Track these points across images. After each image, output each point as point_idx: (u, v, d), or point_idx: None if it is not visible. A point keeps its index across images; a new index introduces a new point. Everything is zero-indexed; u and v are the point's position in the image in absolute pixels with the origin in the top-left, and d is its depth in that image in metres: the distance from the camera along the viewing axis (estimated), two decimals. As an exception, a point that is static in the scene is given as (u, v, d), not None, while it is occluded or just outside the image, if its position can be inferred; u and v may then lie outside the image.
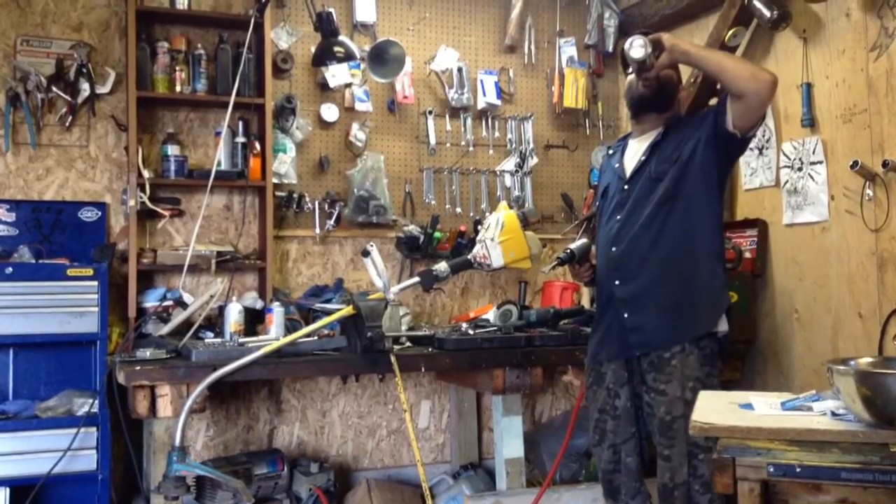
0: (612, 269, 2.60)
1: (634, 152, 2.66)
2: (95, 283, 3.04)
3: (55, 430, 2.92)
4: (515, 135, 4.20)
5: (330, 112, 3.85)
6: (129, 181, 3.39)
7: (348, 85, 3.88)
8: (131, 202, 3.37)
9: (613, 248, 2.59)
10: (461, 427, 4.02)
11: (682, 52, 2.42)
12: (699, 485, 2.41)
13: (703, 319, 2.50)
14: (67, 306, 3.01)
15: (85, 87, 3.45)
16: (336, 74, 3.81)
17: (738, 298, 3.33)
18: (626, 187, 2.61)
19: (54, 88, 3.43)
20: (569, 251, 2.72)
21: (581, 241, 2.77)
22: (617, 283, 2.59)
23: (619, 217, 2.60)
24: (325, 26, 3.37)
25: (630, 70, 2.54)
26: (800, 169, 3.36)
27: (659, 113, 2.62)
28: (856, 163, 3.01)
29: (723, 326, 2.52)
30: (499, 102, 4.14)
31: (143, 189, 3.41)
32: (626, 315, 2.56)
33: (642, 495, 2.60)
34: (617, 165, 2.70)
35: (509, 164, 4.18)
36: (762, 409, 1.86)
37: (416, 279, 3.03)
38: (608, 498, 2.68)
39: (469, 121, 4.11)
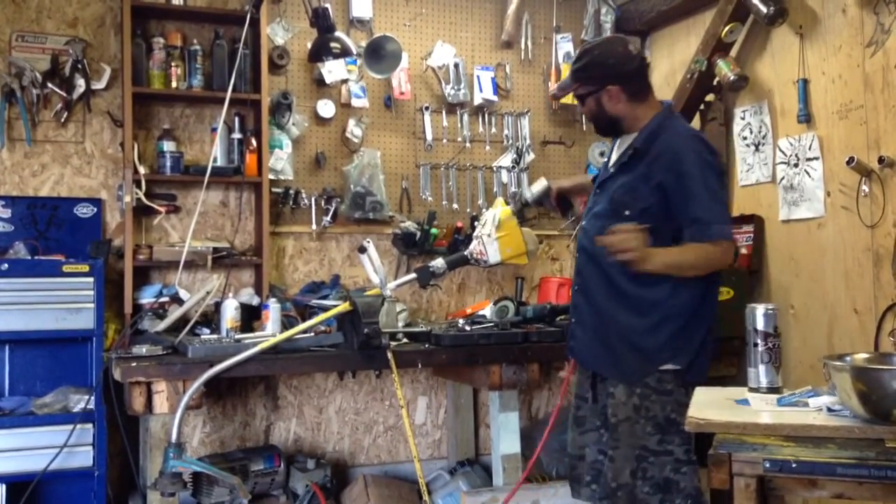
0: (577, 271, 2.62)
1: (618, 147, 2.61)
2: (91, 279, 3.02)
3: (51, 427, 2.90)
4: (512, 131, 4.20)
5: (326, 108, 3.84)
6: (125, 177, 3.38)
7: (345, 81, 3.87)
8: (127, 198, 3.37)
9: (579, 254, 2.62)
10: (458, 423, 4.02)
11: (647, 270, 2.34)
12: (649, 486, 2.37)
13: (628, 369, 2.44)
14: (63, 302, 2.99)
15: (80, 83, 3.44)
16: (332, 70, 3.81)
17: (734, 294, 3.33)
18: (597, 190, 2.61)
19: (49, 84, 3.41)
20: (525, 199, 2.92)
21: (539, 186, 2.90)
22: (576, 287, 2.62)
23: (583, 223, 2.61)
24: (321, 22, 3.36)
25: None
26: (796, 165, 3.37)
27: (618, 131, 2.57)
28: (852, 159, 3.01)
29: (667, 366, 2.41)
30: (495, 98, 4.14)
31: (138, 185, 3.40)
32: (573, 319, 2.63)
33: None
34: (606, 159, 2.71)
35: (506, 160, 4.17)
36: (758, 404, 1.87)
37: (413, 275, 3.03)
38: (571, 483, 2.66)
39: (466, 117, 4.11)
